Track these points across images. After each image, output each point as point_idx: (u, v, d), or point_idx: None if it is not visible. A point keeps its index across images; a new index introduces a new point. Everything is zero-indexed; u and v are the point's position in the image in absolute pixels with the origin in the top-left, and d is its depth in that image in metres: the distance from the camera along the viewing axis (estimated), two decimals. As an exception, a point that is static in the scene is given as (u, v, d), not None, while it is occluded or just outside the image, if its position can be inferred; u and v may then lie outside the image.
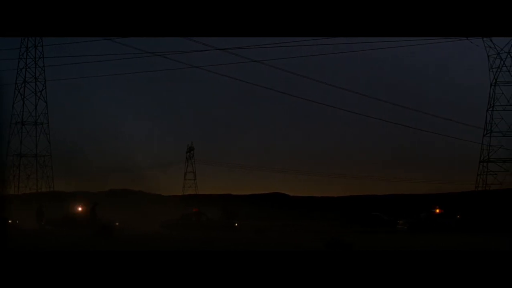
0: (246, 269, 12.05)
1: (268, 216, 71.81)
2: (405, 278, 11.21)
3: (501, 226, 49.49)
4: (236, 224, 51.23)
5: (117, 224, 46.94)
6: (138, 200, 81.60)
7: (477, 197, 79.95)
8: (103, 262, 12.60)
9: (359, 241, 29.05)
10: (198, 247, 25.52)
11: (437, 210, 53.50)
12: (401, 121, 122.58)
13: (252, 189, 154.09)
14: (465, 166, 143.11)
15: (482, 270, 12.08)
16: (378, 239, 35.98)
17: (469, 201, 77.26)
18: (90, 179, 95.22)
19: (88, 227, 41.87)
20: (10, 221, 44.50)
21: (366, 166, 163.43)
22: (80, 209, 52.44)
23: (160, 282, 10.90)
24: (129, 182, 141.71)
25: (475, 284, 10.81)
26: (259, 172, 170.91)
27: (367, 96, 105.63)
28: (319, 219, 69.11)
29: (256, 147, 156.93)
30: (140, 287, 10.70)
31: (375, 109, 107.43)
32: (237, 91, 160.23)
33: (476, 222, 54.25)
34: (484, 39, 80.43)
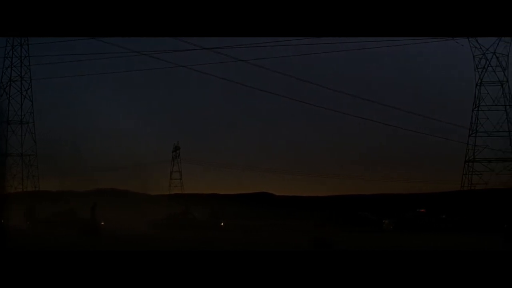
0: (245, 269, 12.06)
1: (256, 215, 71.79)
2: (396, 277, 11.27)
3: (485, 226, 49.78)
4: (222, 224, 51.34)
5: (102, 223, 46.94)
6: (125, 200, 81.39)
7: (463, 196, 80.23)
8: (103, 262, 12.61)
9: (348, 240, 29.14)
10: (196, 247, 25.54)
11: (422, 210, 53.87)
12: (388, 121, 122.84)
13: (238, 189, 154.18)
14: (451, 166, 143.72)
15: (470, 269, 12.17)
16: (367, 238, 36.06)
17: (455, 201, 77.56)
18: (76, 179, 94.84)
19: (76, 226, 42.00)
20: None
21: (352, 166, 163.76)
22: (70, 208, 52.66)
23: (160, 282, 10.92)
24: (115, 182, 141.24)
25: (466, 283, 10.90)
26: (246, 171, 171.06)
27: (353, 95, 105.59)
28: (306, 219, 69.09)
29: (242, 146, 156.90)
30: (140, 286, 10.72)
31: (362, 109, 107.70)
32: (224, 91, 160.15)
33: (462, 221, 54.53)
34: (470, 39, 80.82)
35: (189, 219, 50.44)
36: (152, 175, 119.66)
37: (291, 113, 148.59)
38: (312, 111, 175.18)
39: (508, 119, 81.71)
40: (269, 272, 11.74)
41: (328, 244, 22.76)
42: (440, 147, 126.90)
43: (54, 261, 12.83)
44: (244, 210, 76.09)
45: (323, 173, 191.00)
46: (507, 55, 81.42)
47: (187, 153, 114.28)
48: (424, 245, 27.91)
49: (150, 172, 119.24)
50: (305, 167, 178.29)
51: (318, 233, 29.25)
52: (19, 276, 11.05)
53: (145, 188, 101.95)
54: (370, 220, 61.24)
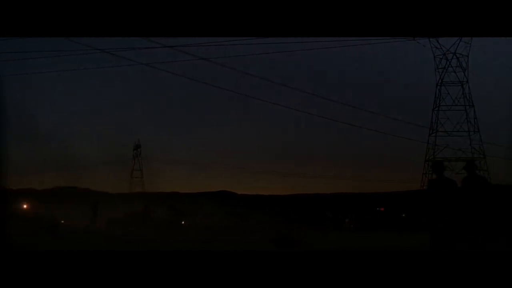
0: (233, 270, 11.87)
1: (218, 214, 71.56)
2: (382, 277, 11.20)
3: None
4: (183, 222, 51.17)
5: (62, 221, 46.46)
6: (85, 198, 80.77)
7: (422, 195, 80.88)
8: (103, 262, 12.38)
9: (314, 240, 29.09)
10: (154, 246, 25.33)
11: (382, 209, 54.25)
12: (349, 120, 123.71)
13: (200, 187, 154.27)
14: (411, 165, 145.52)
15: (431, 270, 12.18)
16: (335, 238, 36.05)
17: (415, 199, 78.21)
18: (35, 176, 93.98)
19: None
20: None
21: (313, 165, 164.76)
22: (25, 206, 51.96)
23: (160, 282, 10.77)
24: (76, 180, 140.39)
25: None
26: (207, 170, 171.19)
27: (315, 95, 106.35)
28: (269, 217, 68.94)
29: (203, 145, 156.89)
30: (140, 286, 10.57)
31: (324, 108, 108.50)
32: (186, 89, 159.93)
33: (420, 220, 54.94)
34: (431, 39, 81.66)
35: (148, 217, 50.12)
36: (113, 173, 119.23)
37: (252, 112, 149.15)
38: (273, 110, 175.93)
39: (467, 119, 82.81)
40: (261, 272, 11.57)
41: (290, 243, 22.53)
42: (401, 146, 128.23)
43: (54, 261, 12.57)
44: (206, 208, 75.85)
45: (284, 172, 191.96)
46: (467, 55, 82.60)
47: (148, 152, 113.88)
48: (390, 245, 28.04)
49: (111, 170, 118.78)
50: (266, 166, 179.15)
51: (284, 231, 29.04)
52: (19, 276, 10.82)
53: (105, 187, 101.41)
54: (330, 219, 61.45)
